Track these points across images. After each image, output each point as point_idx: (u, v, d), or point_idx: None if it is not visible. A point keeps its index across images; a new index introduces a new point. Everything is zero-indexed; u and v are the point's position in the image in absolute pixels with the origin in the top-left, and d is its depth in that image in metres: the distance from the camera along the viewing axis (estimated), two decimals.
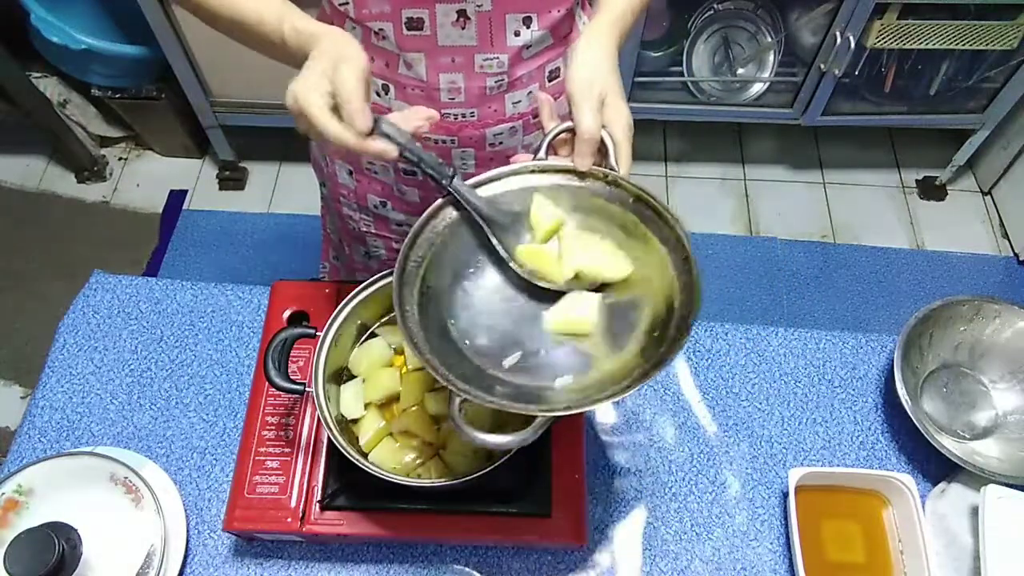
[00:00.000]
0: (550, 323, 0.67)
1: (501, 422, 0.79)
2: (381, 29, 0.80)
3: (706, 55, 2.05)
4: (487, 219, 0.68)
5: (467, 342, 0.66)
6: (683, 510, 0.93)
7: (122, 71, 1.97)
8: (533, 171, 0.71)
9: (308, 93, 0.64)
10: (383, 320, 0.87)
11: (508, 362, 0.65)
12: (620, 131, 0.70)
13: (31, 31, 1.84)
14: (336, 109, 0.65)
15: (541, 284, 0.68)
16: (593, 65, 0.71)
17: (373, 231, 1.09)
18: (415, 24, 0.79)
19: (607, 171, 0.69)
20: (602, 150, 0.69)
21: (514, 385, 0.63)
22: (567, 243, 0.69)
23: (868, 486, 0.93)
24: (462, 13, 0.78)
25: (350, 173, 1.01)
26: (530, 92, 0.87)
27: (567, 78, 0.71)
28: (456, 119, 0.87)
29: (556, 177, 0.71)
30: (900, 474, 0.90)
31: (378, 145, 0.66)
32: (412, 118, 0.69)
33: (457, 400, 0.60)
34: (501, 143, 0.91)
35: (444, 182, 0.68)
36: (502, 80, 0.84)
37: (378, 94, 0.87)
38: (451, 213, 0.70)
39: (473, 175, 0.88)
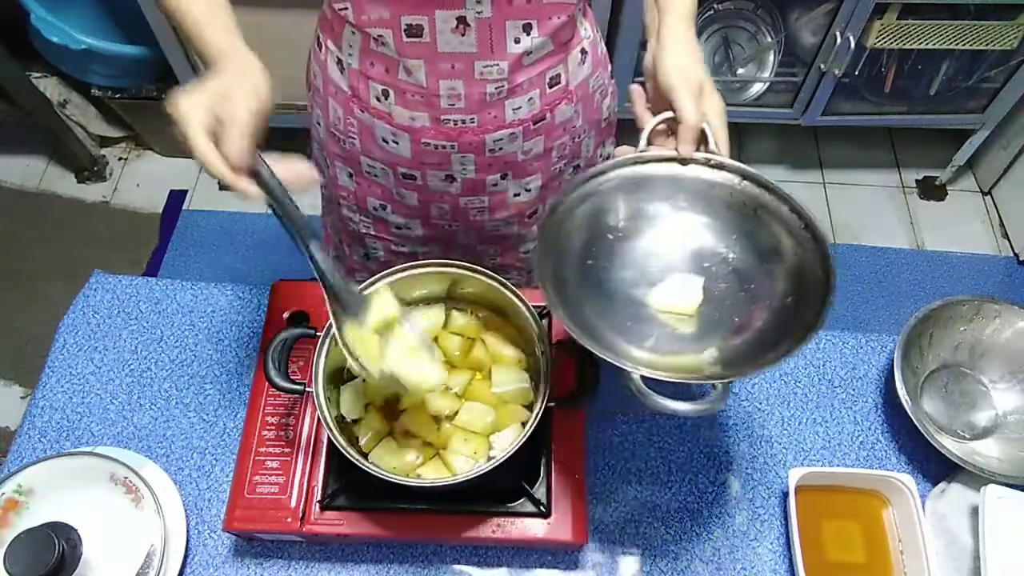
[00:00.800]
0: (656, 303, 0.71)
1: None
2: (380, 35, 0.80)
3: (706, 55, 2.05)
4: (332, 289, 0.71)
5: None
6: (683, 510, 0.93)
7: (122, 71, 1.97)
8: (636, 162, 0.74)
9: (192, 109, 0.62)
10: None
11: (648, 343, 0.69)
12: (717, 118, 0.73)
13: (31, 31, 1.84)
14: (218, 133, 0.63)
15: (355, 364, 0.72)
16: (688, 56, 0.73)
17: (372, 233, 1.09)
18: (414, 31, 0.79)
19: (709, 155, 0.72)
20: (702, 138, 0.73)
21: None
22: (399, 345, 0.73)
23: (868, 486, 0.93)
24: (462, 20, 0.78)
25: (350, 176, 1.01)
26: (530, 98, 0.87)
27: (661, 70, 0.73)
28: (456, 125, 0.87)
29: (658, 166, 0.74)
30: (900, 474, 0.90)
31: (243, 185, 0.64)
32: (292, 171, 0.67)
33: (636, 376, 0.62)
34: (501, 149, 0.91)
35: (301, 245, 0.69)
36: (502, 87, 0.84)
37: (378, 99, 0.87)
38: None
39: (474, 180, 0.89)
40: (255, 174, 0.64)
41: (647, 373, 0.62)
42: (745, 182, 0.72)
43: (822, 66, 1.90)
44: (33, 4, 1.79)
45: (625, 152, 0.75)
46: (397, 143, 0.90)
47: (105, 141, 2.27)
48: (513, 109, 0.87)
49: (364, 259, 1.17)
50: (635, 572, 0.89)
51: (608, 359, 0.62)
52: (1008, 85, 1.97)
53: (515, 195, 1.00)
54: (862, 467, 0.97)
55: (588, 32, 0.91)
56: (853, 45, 1.80)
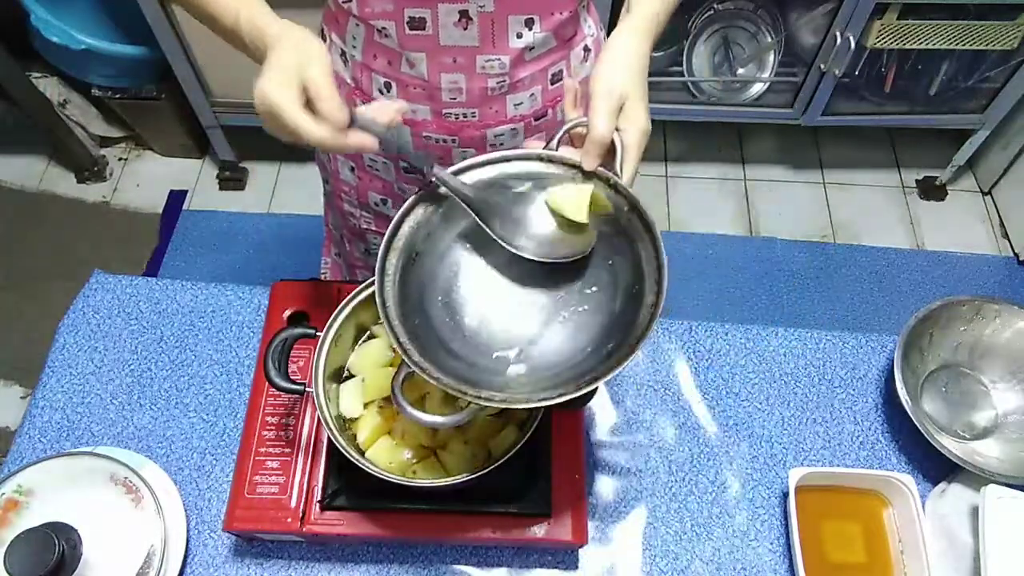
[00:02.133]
0: (550, 198, 0.69)
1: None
2: (384, 27, 0.80)
3: (706, 55, 2.05)
4: (473, 204, 0.68)
5: (447, 319, 0.69)
6: (683, 510, 0.93)
7: (122, 71, 1.97)
8: (540, 159, 0.71)
9: (279, 91, 0.62)
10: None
11: (500, 354, 0.67)
12: (632, 136, 0.68)
13: (31, 31, 1.84)
14: (308, 106, 0.62)
15: (534, 256, 0.67)
16: (619, 66, 0.69)
17: (373, 228, 1.09)
18: (417, 23, 0.79)
19: (610, 175, 0.68)
20: (612, 152, 0.68)
21: (466, 366, 0.66)
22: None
23: (868, 486, 0.93)
24: (464, 13, 0.78)
25: (352, 170, 1.01)
26: (532, 94, 0.87)
27: (591, 75, 0.69)
28: (457, 119, 0.87)
29: (561, 169, 0.70)
30: (900, 474, 0.90)
31: (357, 137, 0.64)
32: (386, 110, 0.67)
33: (403, 374, 0.66)
34: (502, 143, 0.91)
35: (426, 170, 0.68)
36: (504, 81, 0.84)
37: (380, 91, 0.87)
38: (437, 201, 0.71)
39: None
40: (359, 127, 0.65)
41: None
42: (632, 214, 0.68)
43: (822, 66, 1.90)
44: (33, 4, 1.79)
45: (532, 147, 0.72)
46: (399, 136, 0.90)
47: (105, 141, 2.27)
48: (515, 104, 0.87)
49: (365, 255, 1.17)
50: (635, 572, 0.89)
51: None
52: (1008, 85, 1.97)
53: None
54: (862, 467, 0.97)
55: (592, 29, 0.91)
56: (853, 45, 1.80)
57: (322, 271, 1.39)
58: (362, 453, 0.78)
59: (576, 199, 0.68)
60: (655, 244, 0.66)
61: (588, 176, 0.69)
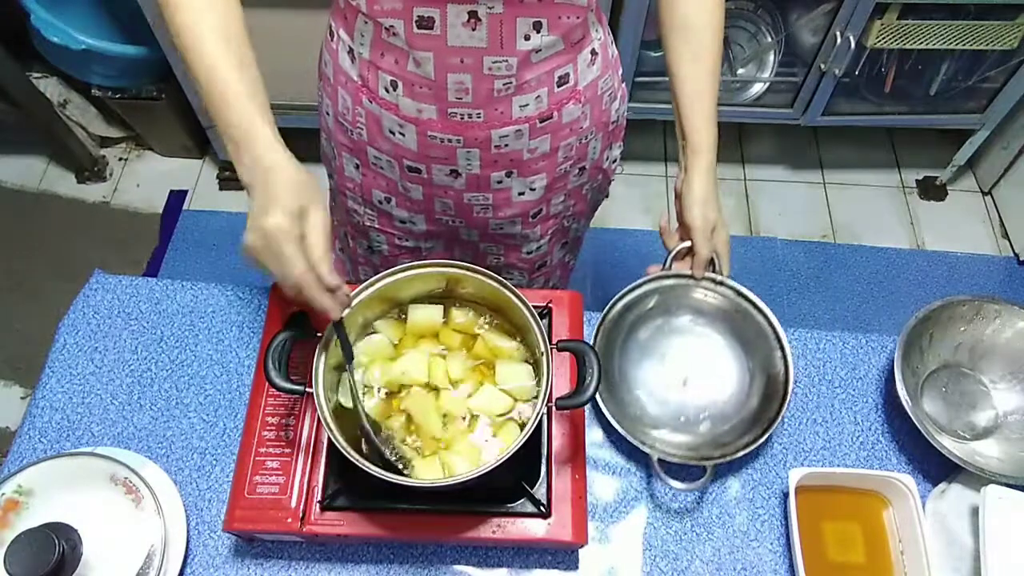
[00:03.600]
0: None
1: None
2: (392, 25, 0.80)
3: None
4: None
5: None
6: (683, 510, 0.93)
7: (122, 71, 1.97)
8: (663, 277, 0.99)
9: (285, 238, 0.68)
10: (384, 317, 0.87)
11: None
12: (723, 247, 0.96)
13: (31, 31, 1.84)
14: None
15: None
16: (705, 202, 0.93)
17: (376, 226, 1.09)
18: (425, 23, 0.79)
19: (716, 276, 0.98)
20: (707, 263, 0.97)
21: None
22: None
23: (868, 486, 0.93)
24: (473, 14, 0.78)
25: (356, 167, 1.01)
26: (538, 96, 0.87)
27: (686, 209, 0.94)
28: (462, 119, 0.87)
29: (678, 280, 0.99)
30: (900, 474, 0.90)
31: (328, 303, 0.72)
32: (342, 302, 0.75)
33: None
34: (507, 145, 0.91)
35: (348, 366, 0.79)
36: (510, 83, 0.84)
37: (387, 89, 0.87)
38: None
39: (478, 176, 0.91)
40: (340, 294, 0.73)
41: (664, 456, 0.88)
42: (739, 298, 0.99)
43: (822, 66, 1.90)
44: (33, 4, 1.79)
45: (655, 271, 0.99)
46: (404, 135, 0.90)
47: (105, 141, 2.27)
48: (520, 106, 0.87)
49: (368, 252, 1.17)
50: (635, 572, 0.89)
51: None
52: (1008, 85, 1.97)
53: (519, 194, 1.00)
54: (862, 467, 0.97)
55: (600, 34, 0.91)
56: (853, 45, 1.80)
57: None
58: (362, 452, 0.78)
59: None
60: (765, 314, 0.98)
61: (699, 280, 0.98)
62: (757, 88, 2.09)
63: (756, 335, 0.98)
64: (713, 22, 0.91)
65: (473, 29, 0.79)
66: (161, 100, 2.02)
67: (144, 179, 2.25)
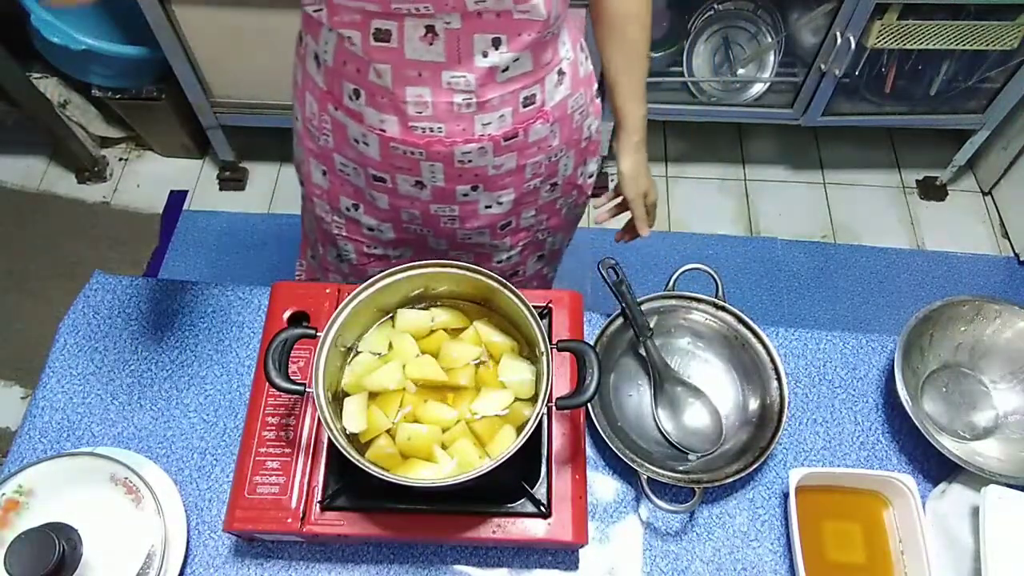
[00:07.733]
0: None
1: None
2: (350, 37, 0.80)
3: (706, 55, 2.05)
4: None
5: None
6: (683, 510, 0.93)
7: (122, 71, 1.97)
8: (664, 297, 1.03)
9: None
10: (382, 321, 0.87)
11: None
12: (651, 207, 1.09)
13: (31, 31, 1.84)
14: None
15: None
16: (635, 177, 1.04)
17: (344, 234, 1.08)
18: (383, 36, 0.79)
19: (716, 300, 1.02)
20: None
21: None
22: None
23: (868, 486, 0.93)
24: (430, 29, 0.78)
25: (324, 173, 1.01)
26: (501, 115, 0.87)
27: (620, 184, 1.05)
28: (424, 132, 0.87)
29: (680, 301, 1.04)
30: (900, 474, 0.90)
31: None
32: None
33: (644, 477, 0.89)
34: (471, 161, 0.91)
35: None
36: (471, 99, 0.84)
37: (350, 98, 0.87)
38: None
39: (443, 188, 0.93)
40: None
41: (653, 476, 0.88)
42: (740, 325, 1.02)
43: (822, 66, 1.90)
44: (33, 4, 1.79)
45: (602, 215, 1.12)
46: (367, 144, 0.90)
47: (105, 141, 2.27)
48: (483, 124, 0.87)
49: (337, 260, 1.16)
50: (635, 572, 0.89)
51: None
52: (1008, 85, 1.97)
53: (486, 207, 0.99)
54: (862, 467, 0.97)
55: (568, 52, 0.91)
56: (853, 45, 1.80)
57: (297, 273, 1.38)
58: (363, 453, 0.78)
59: None
60: (762, 341, 1.00)
61: (698, 302, 1.04)
62: (757, 88, 2.08)
63: (754, 363, 0.99)
64: (639, 12, 0.94)
65: (430, 43, 0.79)
66: (161, 100, 2.02)
67: (144, 179, 2.25)
